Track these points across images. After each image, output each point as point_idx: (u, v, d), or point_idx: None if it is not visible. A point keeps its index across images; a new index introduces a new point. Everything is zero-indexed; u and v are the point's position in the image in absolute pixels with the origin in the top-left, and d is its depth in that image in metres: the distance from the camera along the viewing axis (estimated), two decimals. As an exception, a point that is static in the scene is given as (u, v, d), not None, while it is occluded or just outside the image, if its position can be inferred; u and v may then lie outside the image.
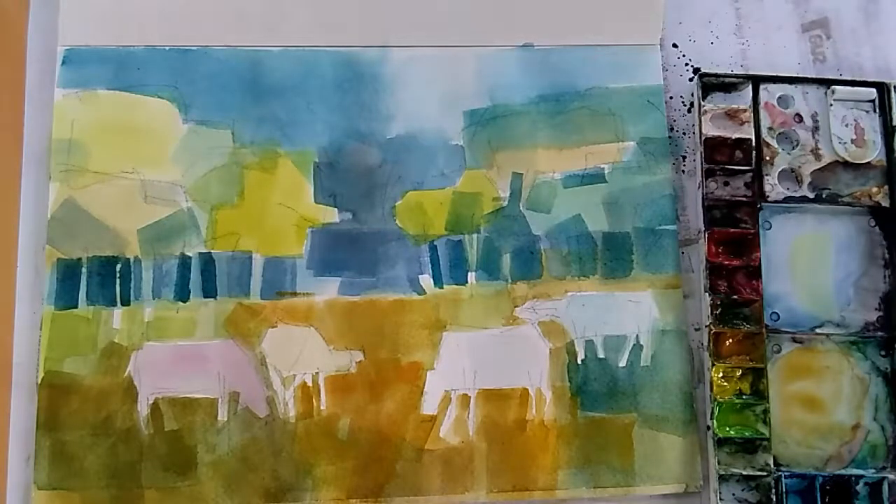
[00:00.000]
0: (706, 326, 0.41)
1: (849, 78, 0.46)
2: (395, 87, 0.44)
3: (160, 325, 0.41)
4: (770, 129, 0.44)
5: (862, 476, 0.40)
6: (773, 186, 0.43)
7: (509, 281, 0.43)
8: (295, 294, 0.42)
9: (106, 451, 0.39)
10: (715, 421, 0.40)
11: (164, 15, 0.44)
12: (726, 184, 0.43)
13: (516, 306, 0.42)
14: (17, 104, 0.43)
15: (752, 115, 0.44)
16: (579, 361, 0.42)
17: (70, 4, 0.43)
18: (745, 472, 0.40)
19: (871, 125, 0.44)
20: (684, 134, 0.46)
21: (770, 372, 0.41)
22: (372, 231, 0.43)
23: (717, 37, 0.47)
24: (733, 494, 0.40)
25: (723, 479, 0.40)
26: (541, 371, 0.42)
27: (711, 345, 0.41)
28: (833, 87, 0.44)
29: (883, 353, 0.42)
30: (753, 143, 0.43)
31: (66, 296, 0.41)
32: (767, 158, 0.43)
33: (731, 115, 0.44)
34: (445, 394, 0.41)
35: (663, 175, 0.44)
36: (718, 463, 0.40)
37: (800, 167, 0.44)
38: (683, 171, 0.45)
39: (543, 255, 0.43)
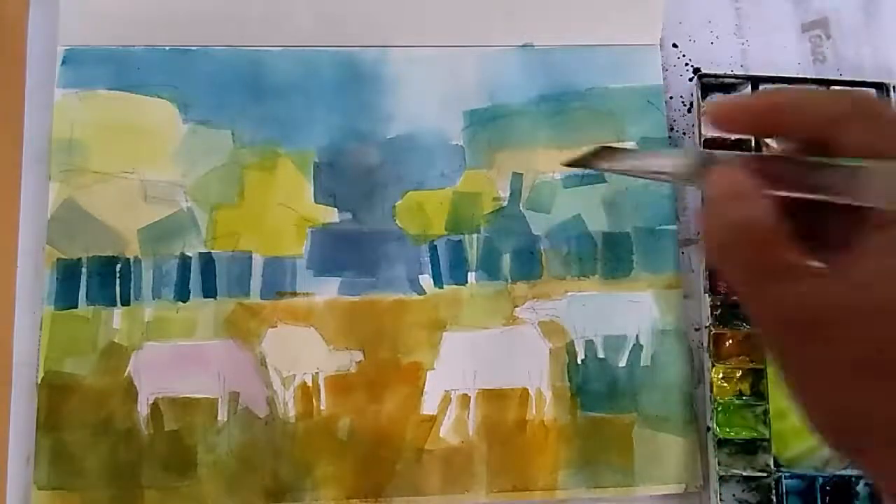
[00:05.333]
0: (706, 327, 0.42)
1: (849, 78, 0.46)
2: (395, 87, 0.44)
3: (160, 325, 0.41)
4: (770, 129, 0.44)
5: (862, 476, 0.40)
6: (773, 186, 0.43)
7: (509, 281, 0.43)
8: (295, 294, 0.42)
9: (106, 451, 0.39)
10: (715, 422, 0.40)
11: (164, 15, 0.44)
12: (726, 184, 0.43)
13: (516, 306, 0.42)
14: (17, 104, 0.43)
15: (752, 115, 0.44)
16: (579, 361, 0.42)
17: (70, 4, 0.43)
18: (745, 473, 0.40)
19: (871, 125, 0.44)
20: (684, 134, 0.46)
21: (770, 373, 0.41)
22: (372, 231, 0.43)
23: (717, 37, 0.47)
24: (733, 495, 0.40)
25: (723, 479, 0.40)
26: (541, 371, 0.42)
27: (711, 345, 0.41)
28: (832, 87, 0.44)
29: (883, 353, 0.42)
30: (753, 144, 0.43)
31: (66, 296, 0.41)
32: (767, 158, 0.43)
33: (731, 115, 0.44)
34: (445, 394, 0.41)
35: (663, 175, 0.44)
36: (719, 464, 0.40)
37: (800, 167, 0.44)
38: (683, 172, 0.45)
39: (543, 255, 0.43)
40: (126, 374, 0.40)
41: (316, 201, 0.43)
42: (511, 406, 0.41)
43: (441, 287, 0.42)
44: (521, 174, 0.44)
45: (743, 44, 0.47)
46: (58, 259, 0.41)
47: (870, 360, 0.20)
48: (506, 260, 0.43)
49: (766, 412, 0.40)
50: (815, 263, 0.22)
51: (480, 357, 0.42)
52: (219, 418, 0.40)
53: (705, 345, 0.42)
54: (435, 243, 0.43)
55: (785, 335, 0.22)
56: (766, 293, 0.22)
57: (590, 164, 0.27)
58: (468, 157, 0.44)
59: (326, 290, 0.42)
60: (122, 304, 0.41)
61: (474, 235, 0.43)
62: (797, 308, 0.21)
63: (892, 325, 0.20)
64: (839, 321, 0.21)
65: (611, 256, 0.43)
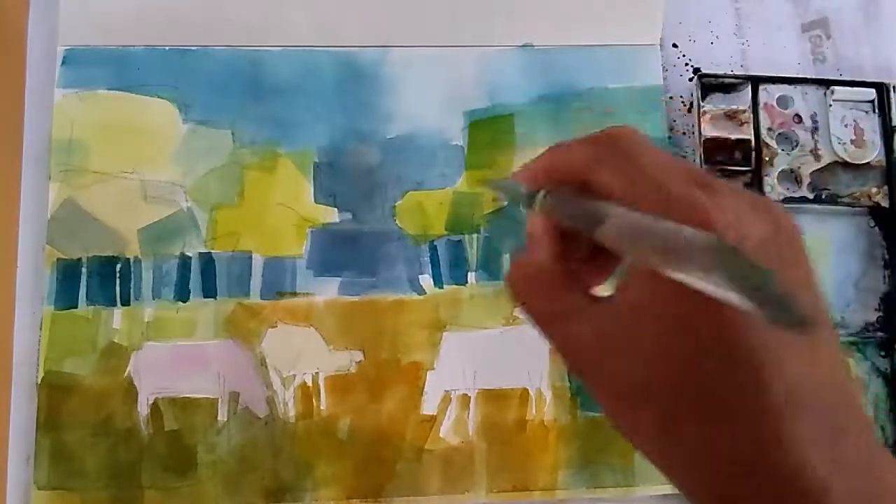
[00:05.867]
0: (706, 327, 0.41)
1: (848, 78, 0.46)
2: (395, 87, 0.44)
3: (160, 325, 0.41)
4: (769, 129, 0.44)
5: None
6: (773, 187, 0.43)
7: (509, 281, 0.42)
8: (295, 294, 0.42)
9: (106, 451, 0.39)
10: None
11: (164, 15, 0.44)
12: (726, 184, 0.43)
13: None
14: (17, 104, 0.43)
15: (752, 115, 0.44)
16: (579, 361, 0.42)
17: (70, 4, 0.43)
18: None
19: (871, 126, 0.44)
20: (684, 134, 0.46)
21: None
22: (372, 231, 0.43)
23: (717, 37, 0.47)
24: (733, 494, 0.40)
25: (722, 479, 0.40)
26: (541, 371, 0.42)
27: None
28: (832, 87, 0.44)
29: (882, 353, 0.42)
30: (753, 144, 0.43)
31: (66, 296, 0.41)
32: (767, 159, 0.43)
33: (731, 115, 0.44)
34: (445, 394, 0.41)
35: (663, 175, 0.44)
36: (718, 463, 0.40)
37: (799, 168, 0.44)
38: (683, 172, 0.45)
39: (543, 256, 0.43)
40: (126, 374, 0.40)
41: (316, 201, 0.43)
42: (511, 406, 0.41)
43: (441, 287, 0.42)
44: (521, 174, 0.44)
45: (743, 44, 0.47)
46: (58, 259, 0.41)
47: (621, 391, 0.22)
48: (506, 260, 0.43)
49: (765, 412, 0.40)
50: (597, 295, 0.24)
51: (480, 357, 0.42)
52: (219, 418, 0.40)
53: (705, 345, 0.42)
54: (435, 243, 0.43)
55: (568, 365, 0.24)
56: (548, 332, 0.24)
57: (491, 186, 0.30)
58: (468, 157, 0.44)
59: (326, 290, 0.42)
60: (122, 304, 0.41)
61: (474, 235, 0.43)
62: (570, 345, 0.23)
63: (636, 359, 0.21)
64: (597, 357, 0.22)
65: (611, 256, 0.43)
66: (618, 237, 0.21)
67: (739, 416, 0.20)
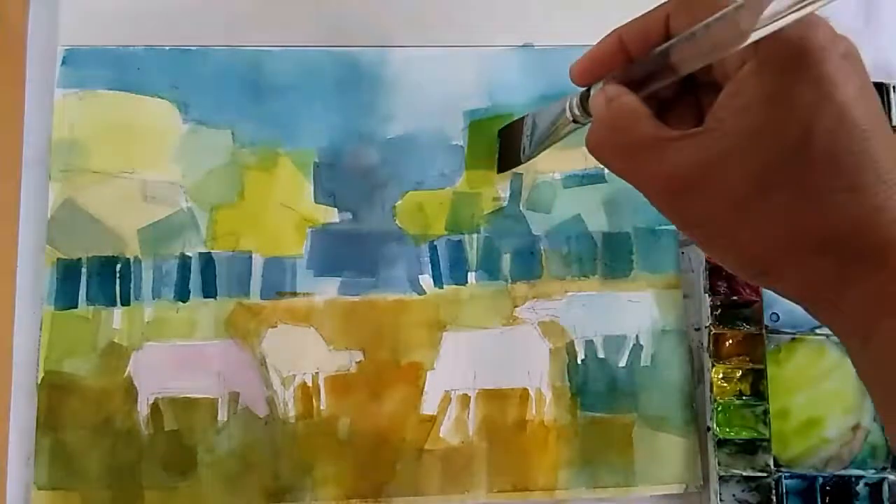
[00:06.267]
0: (706, 327, 0.42)
1: (849, 78, 0.46)
2: (395, 87, 0.44)
3: (160, 325, 0.41)
4: (770, 129, 0.44)
5: (862, 476, 0.40)
6: (773, 186, 0.43)
7: (509, 281, 0.43)
8: (295, 294, 0.42)
9: (106, 451, 0.39)
10: (715, 422, 0.40)
11: (164, 15, 0.44)
12: (726, 184, 0.43)
13: (516, 306, 0.42)
14: (17, 104, 0.43)
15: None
16: (579, 361, 0.42)
17: (70, 4, 0.43)
18: (745, 474, 0.40)
19: (871, 125, 0.44)
20: (684, 134, 0.46)
21: (770, 373, 0.41)
22: (372, 231, 0.43)
23: (717, 37, 0.47)
24: (733, 495, 0.40)
25: (723, 479, 0.40)
26: (541, 371, 0.42)
27: (711, 345, 0.41)
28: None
29: (883, 353, 0.42)
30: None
31: (66, 296, 0.41)
32: (767, 158, 0.43)
33: (732, 115, 0.44)
34: (445, 394, 0.41)
35: (663, 175, 0.44)
36: (719, 464, 0.40)
37: (800, 167, 0.44)
38: (683, 172, 0.45)
39: (543, 255, 0.43)
40: (126, 374, 0.40)
41: (316, 201, 0.43)
42: (511, 406, 0.41)
43: (441, 287, 0.42)
44: (521, 174, 0.44)
45: (743, 44, 0.47)
46: (58, 259, 0.41)
47: (748, 193, 0.22)
48: (506, 260, 0.43)
49: (766, 412, 0.40)
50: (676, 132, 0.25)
51: (480, 357, 0.42)
52: (219, 418, 0.40)
53: (705, 345, 0.42)
54: (435, 243, 0.43)
55: (668, 197, 0.25)
56: (640, 165, 0.25)
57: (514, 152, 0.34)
58: (468, 157, 0.44)
59: (326, 290, 0.42)
60: (122, 304, 0.41)
61: (474, 235, 0.43)
62: (671, 170, 0.24)
63: (759, 152, 0.22)
64: (710, 170, 0.23)
65: (611, 256, 0.43)
66: (691, 57, 0.23)
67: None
